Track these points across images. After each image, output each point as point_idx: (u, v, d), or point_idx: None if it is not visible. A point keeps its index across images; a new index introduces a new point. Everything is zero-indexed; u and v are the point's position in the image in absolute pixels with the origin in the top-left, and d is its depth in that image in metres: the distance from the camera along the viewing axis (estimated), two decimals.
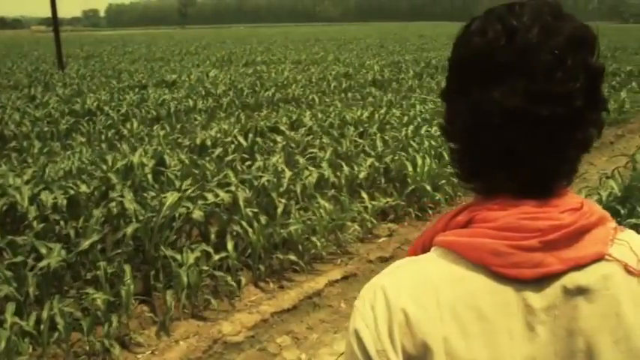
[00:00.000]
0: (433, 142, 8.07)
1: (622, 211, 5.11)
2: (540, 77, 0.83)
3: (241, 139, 8.22)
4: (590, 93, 0.86)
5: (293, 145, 8.20)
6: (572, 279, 0.86)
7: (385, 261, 5.66)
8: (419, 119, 9.82)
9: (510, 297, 0.85)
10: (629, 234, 0.93)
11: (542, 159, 0.87)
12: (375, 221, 6.22)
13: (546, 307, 0.85)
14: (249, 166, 6.95)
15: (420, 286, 0.87)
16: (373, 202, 6.37)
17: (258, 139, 8.36)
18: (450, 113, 0.94)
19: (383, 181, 7.11)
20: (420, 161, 7.04)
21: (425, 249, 0.95)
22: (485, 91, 0.86)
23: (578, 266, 0.86)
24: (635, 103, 13.02)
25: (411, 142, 8.01)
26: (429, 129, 8.93)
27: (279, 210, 5.57)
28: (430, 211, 6.78)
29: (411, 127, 8.93)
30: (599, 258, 0.87)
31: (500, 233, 0.86)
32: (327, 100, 13.50)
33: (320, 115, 10.38)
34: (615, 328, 0.86)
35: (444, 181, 7.06)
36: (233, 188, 5.68)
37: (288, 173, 6.40)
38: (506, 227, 0.86)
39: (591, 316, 0.86)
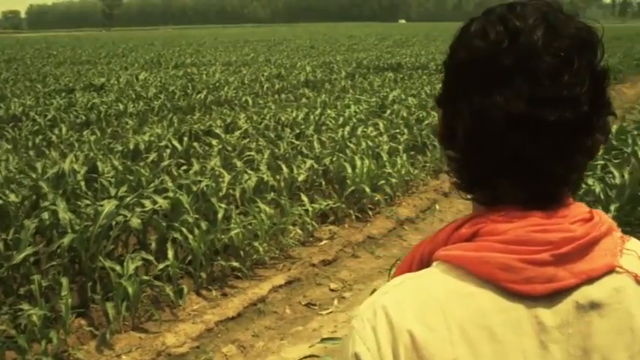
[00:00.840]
0: (370, 143, 8.10)
1: None
2: (546, 81, 0.79)
3: (176, 143, 8.03)
4: (595, 97, 0.82)
5: (229, 148, 8.07)
6: (584, 294, 0.82)
7: (328, 264, 5.62)
8: (354, 120, 9.84)
9: (522, 315, 0.80)
10: (635, 243, 0.90)
11: (549, 165, 0.83)
12: (315, 224, 6.17)
13: (559, 324, 0.81)
14: (186, 171, 6.81)
15: (425, 305, 0.81)
16: (313, 205, 6.32)
17: (195, 144, 8.21)
18: (449, 119, 0.89)
19: (322, 183, 7.08)
20: (358, 162, 7.03)
21: (423, 264, 0.89)
22: (487, 95, 0.81)
23: (590, 280, 0.82)
24: None
25: (348, 144, 8.00)
26: (365, 129, 8.97)
27: (220, 215, 5.45)
28: (370, 212, 6.79)
29: (347, 128, 8.94)
30: (609, 270, 0.83)
31: (509, 247, 0.81)
32: (261, 101, 13.41)
33: (255, 117, 10.29)
34: (630, 343, 0.83)
35: (382, 182, 7.08)
36: (171, 194, 5.53)
37: (227, 177, 6.29)
38: (516, 240, 0.81)
39: (606, 332, 0.82)
